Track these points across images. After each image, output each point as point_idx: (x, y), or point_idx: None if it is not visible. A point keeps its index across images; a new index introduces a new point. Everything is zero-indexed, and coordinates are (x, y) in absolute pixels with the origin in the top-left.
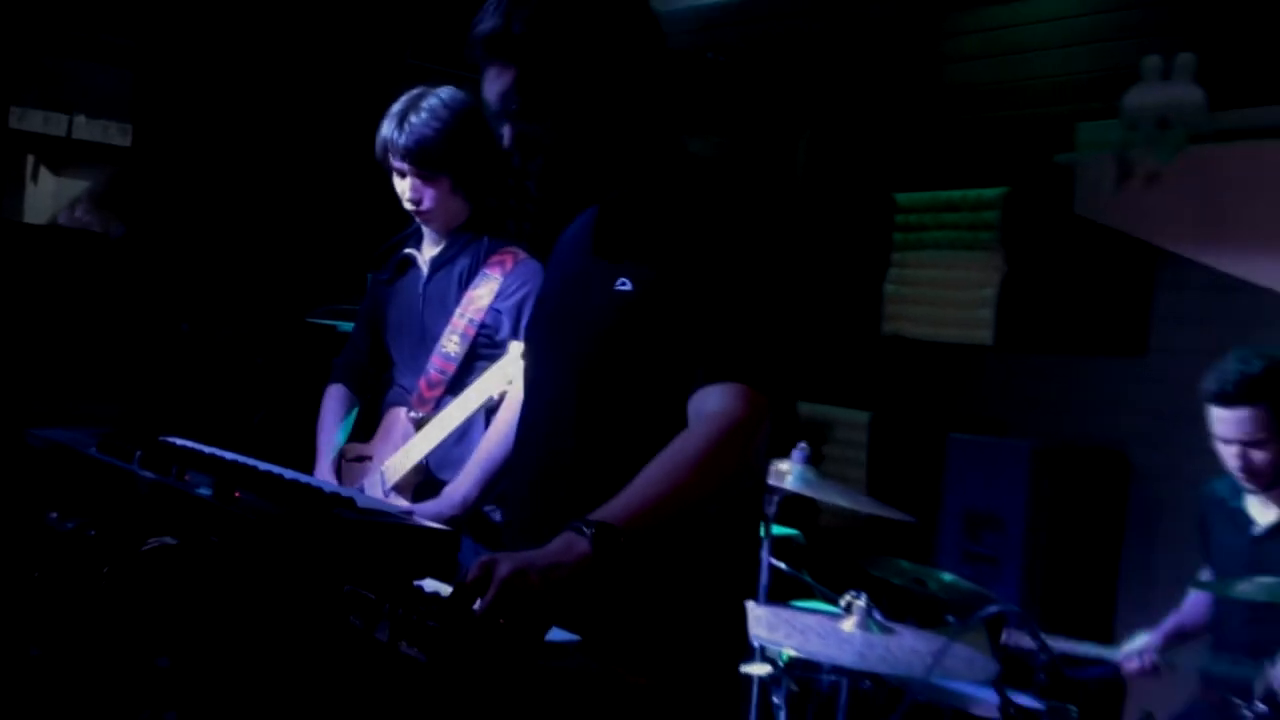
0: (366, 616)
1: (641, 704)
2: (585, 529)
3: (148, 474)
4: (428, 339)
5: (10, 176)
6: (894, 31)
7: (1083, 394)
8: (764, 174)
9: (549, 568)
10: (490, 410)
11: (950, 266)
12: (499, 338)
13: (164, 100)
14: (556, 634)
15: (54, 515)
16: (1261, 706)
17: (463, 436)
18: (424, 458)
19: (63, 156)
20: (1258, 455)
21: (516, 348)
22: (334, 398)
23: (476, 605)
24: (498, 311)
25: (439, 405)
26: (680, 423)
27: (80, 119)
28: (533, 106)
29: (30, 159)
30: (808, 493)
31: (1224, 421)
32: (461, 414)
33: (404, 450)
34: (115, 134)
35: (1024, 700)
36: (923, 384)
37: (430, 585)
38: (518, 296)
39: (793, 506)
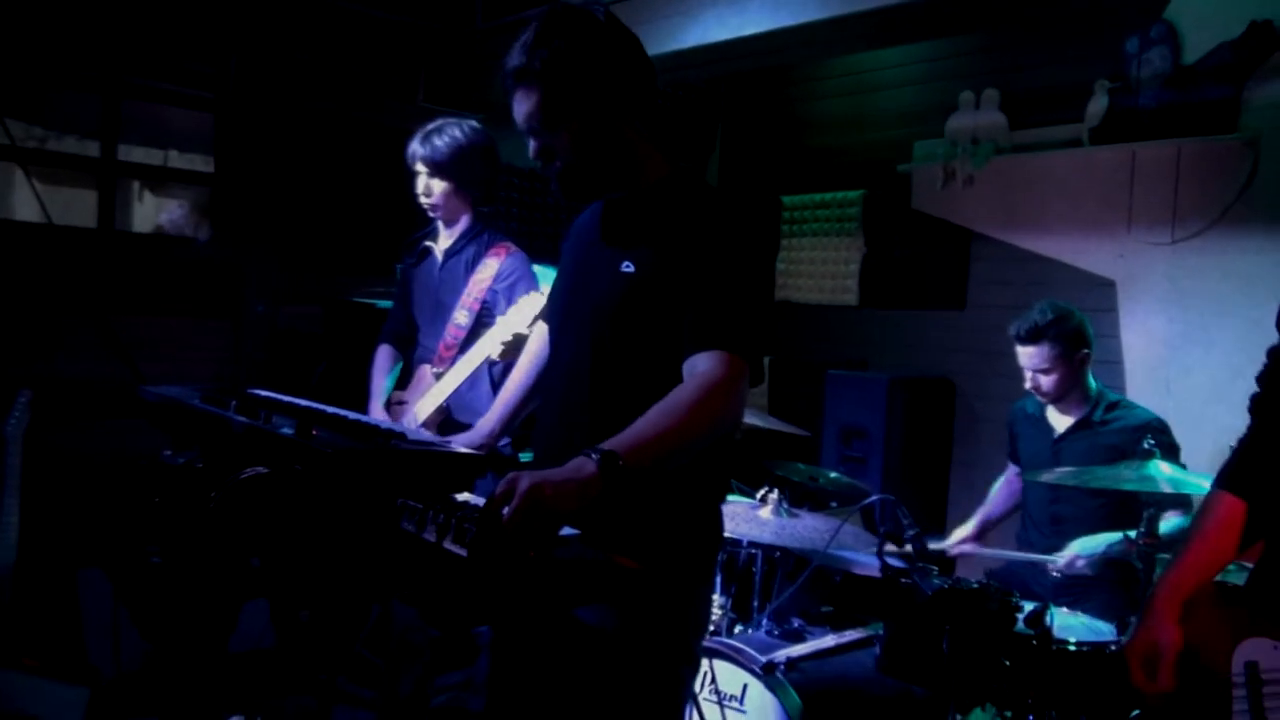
0: (417, 523)
1: (632, 582)
2: (593, 455)
3: (241, 419)
4: (443, 311)
5: (122, 198)
6: (779, 81)
7: (921, 339)
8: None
9: (561, 482)
10: (492, 365)
11: (824, 249)
12: (496, 311)
13: (239, 137)
14: (564, 530)
15: (168, 453)
16: (1062, 564)
17: (473, 385)
18: (445, 401)
19: (160, 182)
20: (1045, 380)
21: (506, 318)
22: (383, 355)
23: (505, 511)
24: (495, 291)
25: (453, 362)
26: (675, 380)
27: (173, 153)
28: (550, 123)
29: (136, 184)
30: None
31: (1022, 354)
32: (469, 368)
33: (429, 395)
34: (200, 164)
35: (896, 563)
36: (807, 335)
37: (462, 497)
38: (510, 280)
39: None
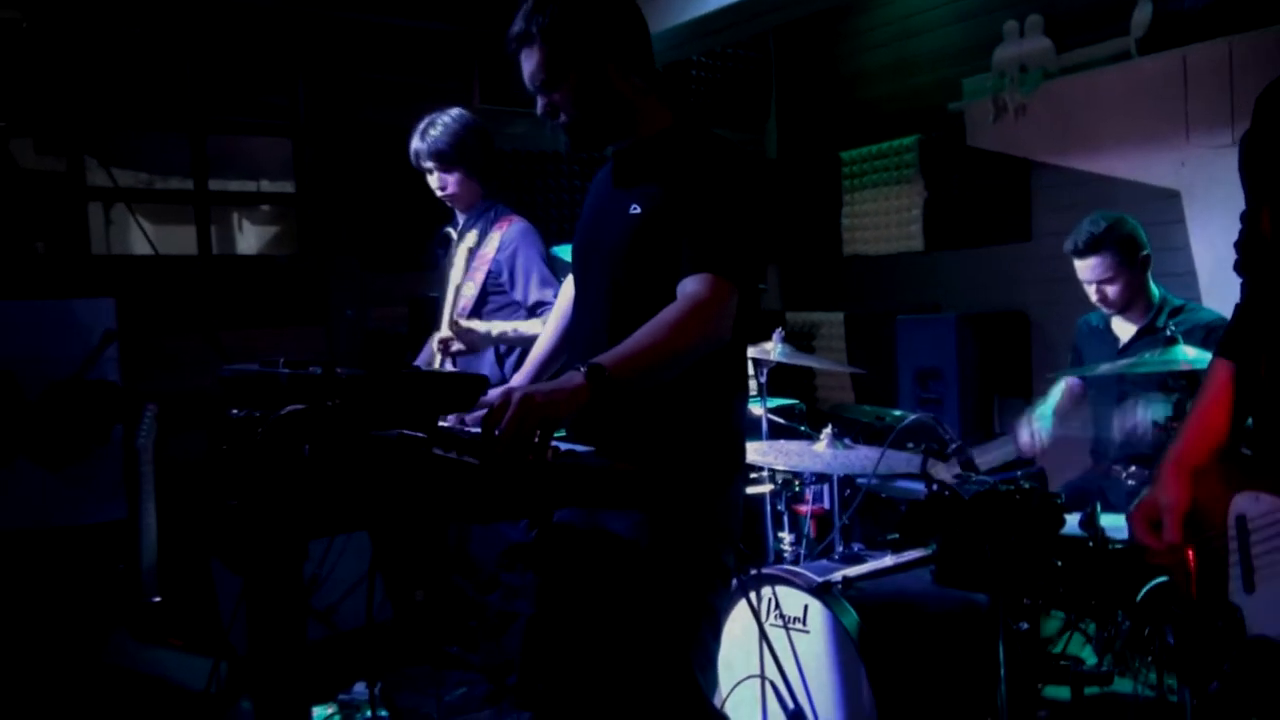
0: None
1: (633, 485)
2: (580, 367)
3: (286, 371)
4: (457, 288)
5: (223, 229)
6: (824, 39)
7: (990, 274)
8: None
9: (551, 391)
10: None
11: (885, 198)
12: (500, 280)
13: (315, 158)
14: (576, 447)
15: (233, 411)
16: (1136, 470)
17: (479, 355)
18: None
19: (255, 209)
20: (1110, 289)
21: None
22: (426, 350)
23: (503, 420)
24: (499, 261)
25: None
26: None
27: (264, 181)
28: (553, 80)
29: (235, 215)
30: (788, 361)
31: (1082, 268)
32: (496, 328)
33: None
34: (288, 188)
35: (943, 477)
36: (878, 286)
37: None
38: (511, 249)
39: (795, 383)
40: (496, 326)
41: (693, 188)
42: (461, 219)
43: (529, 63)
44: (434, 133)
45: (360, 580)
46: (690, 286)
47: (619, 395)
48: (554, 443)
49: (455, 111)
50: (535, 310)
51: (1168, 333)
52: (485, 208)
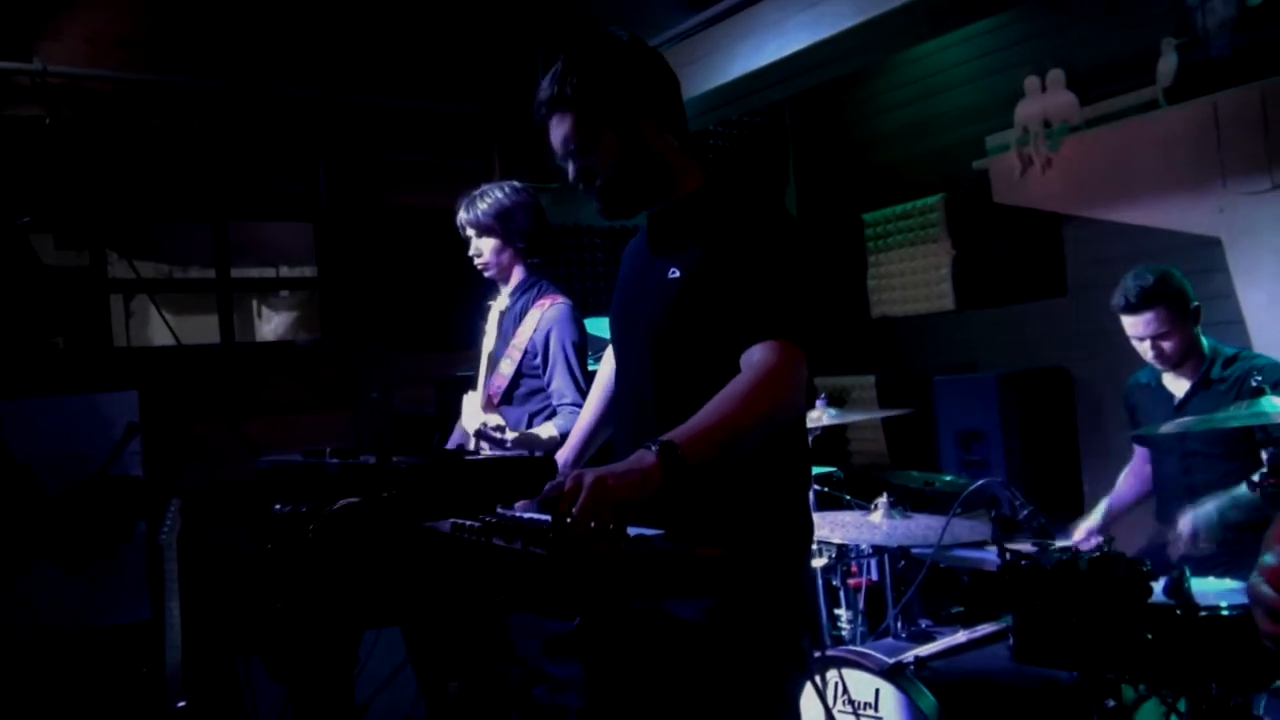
0: (499, 532)
1: (716, 571)
2: (652, 446)
3: (335, 460)
4: (492, 363)
5: (244, 317)
6: (840, 101)
7: (1027, 331)
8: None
9: (623, 474)
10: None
11: (913, 259)
12: (535, 363)
13: (336, 242)
14: (645, 530)
15: (277, 506)
16: (1183, 546)
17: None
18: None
19: (275, 296)
20: (1167, 344)
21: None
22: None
23: (574, 508)
24: (535, 342)
25: (497, 408)
26: (734, 373)
27: (284, 268)
28: (586, 144)
29: (255, 302)
30: (838, 421)
31: (1134, 324)
32: (512, 433)
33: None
34: (309, 273)
35: (1018, 546)
36: (911, 347)
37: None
38: (546, 331)
39: (829, 449)
40: (519, 436)
41: (742, 248)
42: (502, 291)
43: (561, 127)
44: (480, 204)
45: (394, 673)
46: (758, 355)
47: (694, 474)
48: None
49: (510, 185)
50: (557, 409)
51: (1253, 383)
52: (529, 284)
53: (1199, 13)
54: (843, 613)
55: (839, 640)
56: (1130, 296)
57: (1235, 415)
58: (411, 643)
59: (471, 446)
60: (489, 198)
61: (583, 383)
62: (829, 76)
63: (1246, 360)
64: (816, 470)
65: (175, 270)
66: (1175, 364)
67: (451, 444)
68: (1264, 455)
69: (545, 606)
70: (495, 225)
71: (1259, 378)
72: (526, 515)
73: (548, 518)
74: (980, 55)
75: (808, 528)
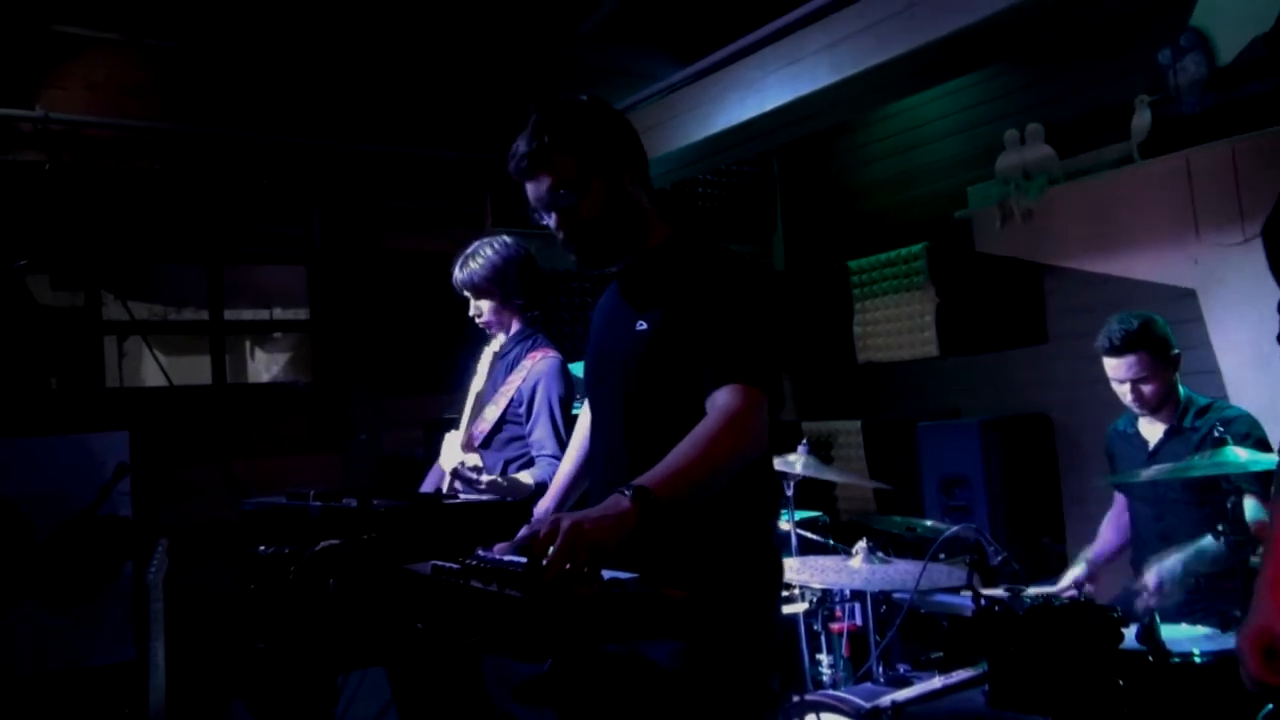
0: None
1: (685, 612)
2: (626, 490)
3: (317, 503)
4: (478, 406)
5: (236, 359)
6: (826, 153)
7: (1008, 378)
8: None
9: (599, 518)
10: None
11: (897, 305)
12: (519, 409)
13: (329, 286)
14: (620, 574)
15: (260, 548)
16: (1150, 599)
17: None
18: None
19: (268, 338)
20: (1146, 389)
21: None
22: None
23: (550, 551)
24: (521, 391)
25: (477, 449)
26: (700, 419)
27: (276, 310)
28: (562, 198)
29: (247, 344)
30: (813, 474)
31: (1116, 367)
32: (489, 475)
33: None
34: (301, 315)
35: (992, 592)
36: (895, 393)
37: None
38: (534, 383)
39: (815, 494)
40: (494, 480)
41: (702, 299)
42: (499, 337)
43: (538, 185)
44: (473, 265)
45: (380, 714)
46: (721, 399)
47: (666, 517)
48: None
49: (500, 241)
50: (536, 459)
51: (1215, 434)
52: (526, 334)
53: (1171, 71)
54: (824, 657)
55: (820, 685)
56: (1114, 339)
57: (1197, 464)
58: (396, 684)
59: (445, 487)
60: (480, 257)
61: (564, 436)
62: (811, 130)
63: (1218, 411)
64: (802, 515)
65: (170, 311)
66: (1154, 409)
67: (429, 484)
68: (1228, 505)
69: (518, 648)
70: (492, 288)
71: (1221, 429)
72: (506, 558)
73: (525, 560)
74: (962, 109)
75: (777, 568)
